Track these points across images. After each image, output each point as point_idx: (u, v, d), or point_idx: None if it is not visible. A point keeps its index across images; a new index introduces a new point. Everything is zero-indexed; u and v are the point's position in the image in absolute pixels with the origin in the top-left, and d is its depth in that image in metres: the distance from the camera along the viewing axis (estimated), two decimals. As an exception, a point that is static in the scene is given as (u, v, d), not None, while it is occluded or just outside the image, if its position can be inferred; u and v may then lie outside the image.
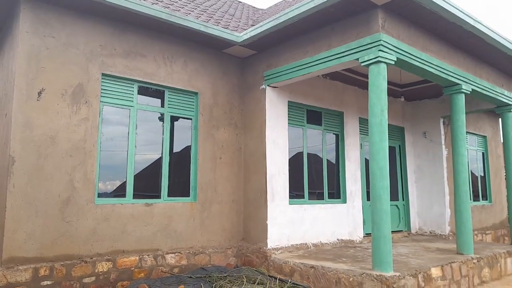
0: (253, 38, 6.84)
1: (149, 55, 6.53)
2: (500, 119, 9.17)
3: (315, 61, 6.37)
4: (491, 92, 8.00)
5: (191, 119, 7.10)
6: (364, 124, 9.02)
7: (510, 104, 8.61)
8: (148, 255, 6.10)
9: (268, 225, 6.82)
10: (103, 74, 6.02)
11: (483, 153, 11.86)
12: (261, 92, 7.32)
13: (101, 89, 6.00)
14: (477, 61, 7.76)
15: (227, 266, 6.76)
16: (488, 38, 6.74)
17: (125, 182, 6.21)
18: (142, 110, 6.52)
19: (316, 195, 8.12)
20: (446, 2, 5.67)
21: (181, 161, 6.97)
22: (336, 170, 8.54)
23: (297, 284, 5.51)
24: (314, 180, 8.14)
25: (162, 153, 6.68)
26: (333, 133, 8.60)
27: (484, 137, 11.89)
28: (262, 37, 6.76)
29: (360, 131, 8.98)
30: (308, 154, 8.04)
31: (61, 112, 5.55)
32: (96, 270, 5.57)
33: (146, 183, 6.61)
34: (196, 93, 7.12)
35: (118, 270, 5.77)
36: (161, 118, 6.77)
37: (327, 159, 8.38)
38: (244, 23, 8.47)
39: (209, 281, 5.55)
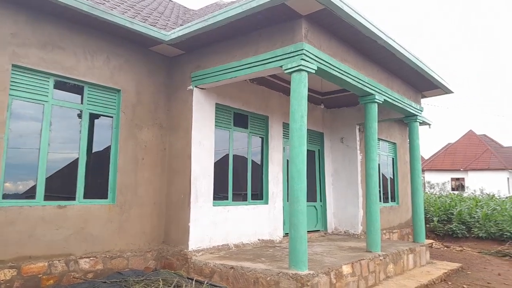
0: (181, 38, 6.76)
1: (69, 48, 6.15)
2: (408, 128, 10.07)
3: (242, 65, 6.48)
4: (400, 103, 8.78)
5: (112, 117, 6.81)
6: (287, 128, 9.35)
7: (416, 115, 9.53)
8: (59, 261, 5.73)
9: (190, 227, 6.78)
10: (13, 65, 5.55)
11: (393, 159, 12.95)
12: (189, 92, 7.26)
13: (11, 81, 5.53)
14: (389, 74, 8.48)
15: (145, 269, 6.59)
16: (398, 53, 7.41)
17: (36, 182, 5.78)
18: (59, 106, 6.11)
19: (241, 197, 8.26)
20: (362, 17, 6.12)
21: (100, 162, 6.65)
22: (260, 172, 8.76)
23: (214, 285, 5.55)
24: (239, 181, 8.27)
25: (79, 153, 6.32)
26: (259, 136, 8.81)
27: (394, 144, 12.99)
28: (191, 37, 6.71)
29: (283, 135, 9.32)
30: (235, 156, 8.15)
31: (-39, 104, 5.01)
32: (-3, 278, 5.11)
33: (61, 184, 6.20)
34: (118, 90, 6.85)
35: (23, 277, 5.34)
36: (80, 115, 6.41)
37: (252, 161, 8.56)
38: (173, 22, 8.34)
39: (125, 286, 5.36)
